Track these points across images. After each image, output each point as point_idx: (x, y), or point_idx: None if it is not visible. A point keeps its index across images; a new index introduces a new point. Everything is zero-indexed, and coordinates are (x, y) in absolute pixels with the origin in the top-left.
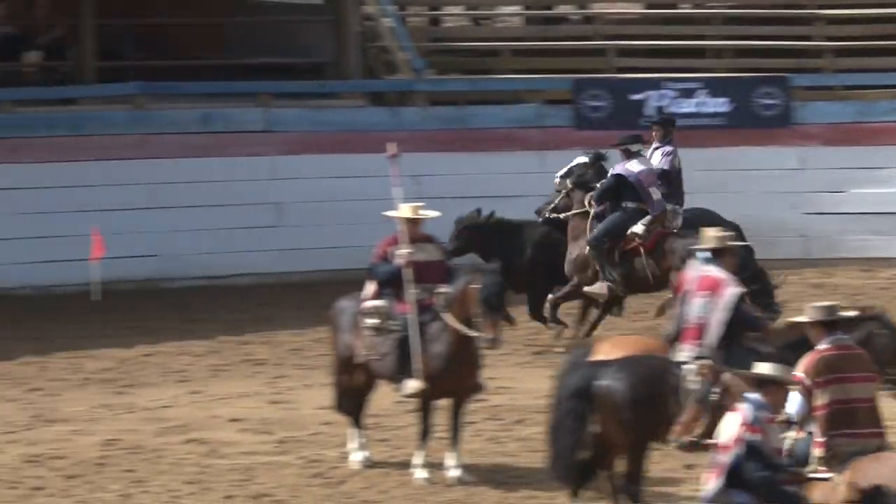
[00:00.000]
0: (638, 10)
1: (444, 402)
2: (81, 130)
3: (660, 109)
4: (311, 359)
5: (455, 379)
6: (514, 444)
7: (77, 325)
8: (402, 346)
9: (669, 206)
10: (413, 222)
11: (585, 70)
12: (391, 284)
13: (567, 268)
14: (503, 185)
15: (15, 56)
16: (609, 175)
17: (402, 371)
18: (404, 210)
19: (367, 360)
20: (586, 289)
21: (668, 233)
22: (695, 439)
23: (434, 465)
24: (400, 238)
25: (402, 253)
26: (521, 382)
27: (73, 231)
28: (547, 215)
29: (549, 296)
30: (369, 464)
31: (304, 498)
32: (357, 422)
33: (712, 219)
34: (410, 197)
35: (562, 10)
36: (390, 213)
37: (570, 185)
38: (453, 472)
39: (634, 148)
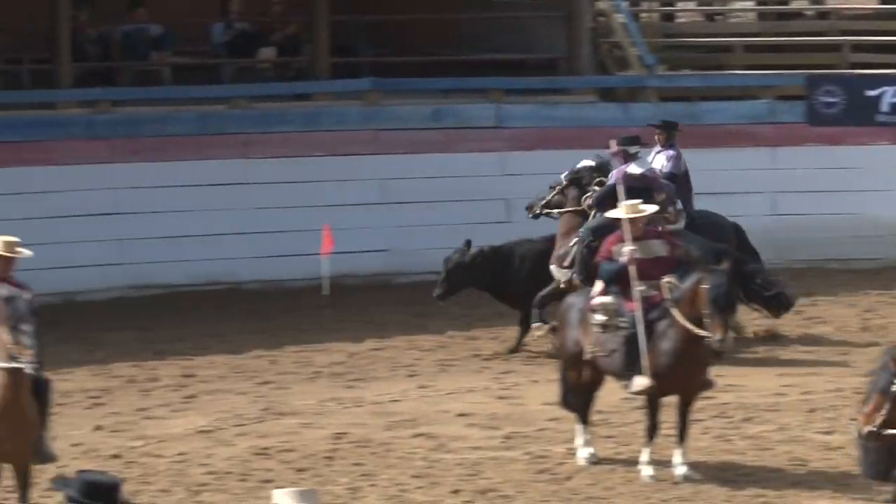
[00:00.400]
0: (873, 5)
1: (671, 400)
2: (314, 126)
3: (894, 106)
4: (537, 355)
5: (683, 376)
6: (741, 442)
7: (307, 320)
8: (630, 343)
9: (672, 208)
10: (634, 220)
11: (819, 66)
12: (617, 282)
13: (553, 263)
14: (734, 181)
15: (250, 52)
16: (609, 180)
17: (629, 368)
18: (624, 209)
19: (594, 357)
20: (554, 271)
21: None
22: (874, 429)
23: (661, 463)
24: (624, 236)
25: (626, 251)
26: (749, 380)
27: (305, 226)
28: (538, 211)
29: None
30: (595, 460)
31: (530, 493)
32: (584, 418)
33: (716, 220)
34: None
35: (796, 5)
36: (611, 213)
37: (564, 182)
38: (680, 470)
39: (633, 150)
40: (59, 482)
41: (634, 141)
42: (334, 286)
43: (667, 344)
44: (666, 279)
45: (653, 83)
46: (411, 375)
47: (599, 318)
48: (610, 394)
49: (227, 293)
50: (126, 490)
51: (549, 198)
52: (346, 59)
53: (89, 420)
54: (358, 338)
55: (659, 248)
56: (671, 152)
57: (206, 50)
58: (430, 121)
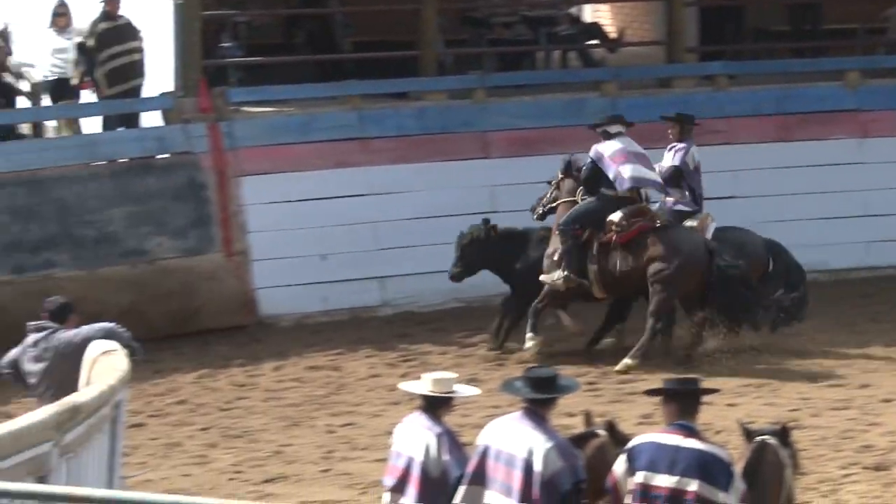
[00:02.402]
0: None
1: None
2: None
3: None
4: None
5: None
6: None
7: None
8: None
9: (682, 206)
10: None
11: None
12: None
13: (545, 262)
14: None
15: None
16: (587, 164)
17: None
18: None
19: None
20: (542, 276)
21: (652, 227)
22: None
23: None
24: None
25: None
26: None
27: None
28: (541, 211)
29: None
30: None
31: None
32: None
33: (744, 237)
34: None
35: None
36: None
37: (559, 175)
38: None
39: (613, 129)
40: None
41: (616, 120)
42: None
43: None
44: None
45: None
46: None
47: None
48: None
49: None
50: None
51: (547, 195)
52: None
53: None
54: None
55: None
56: (680, 145)
57: None
58: None
